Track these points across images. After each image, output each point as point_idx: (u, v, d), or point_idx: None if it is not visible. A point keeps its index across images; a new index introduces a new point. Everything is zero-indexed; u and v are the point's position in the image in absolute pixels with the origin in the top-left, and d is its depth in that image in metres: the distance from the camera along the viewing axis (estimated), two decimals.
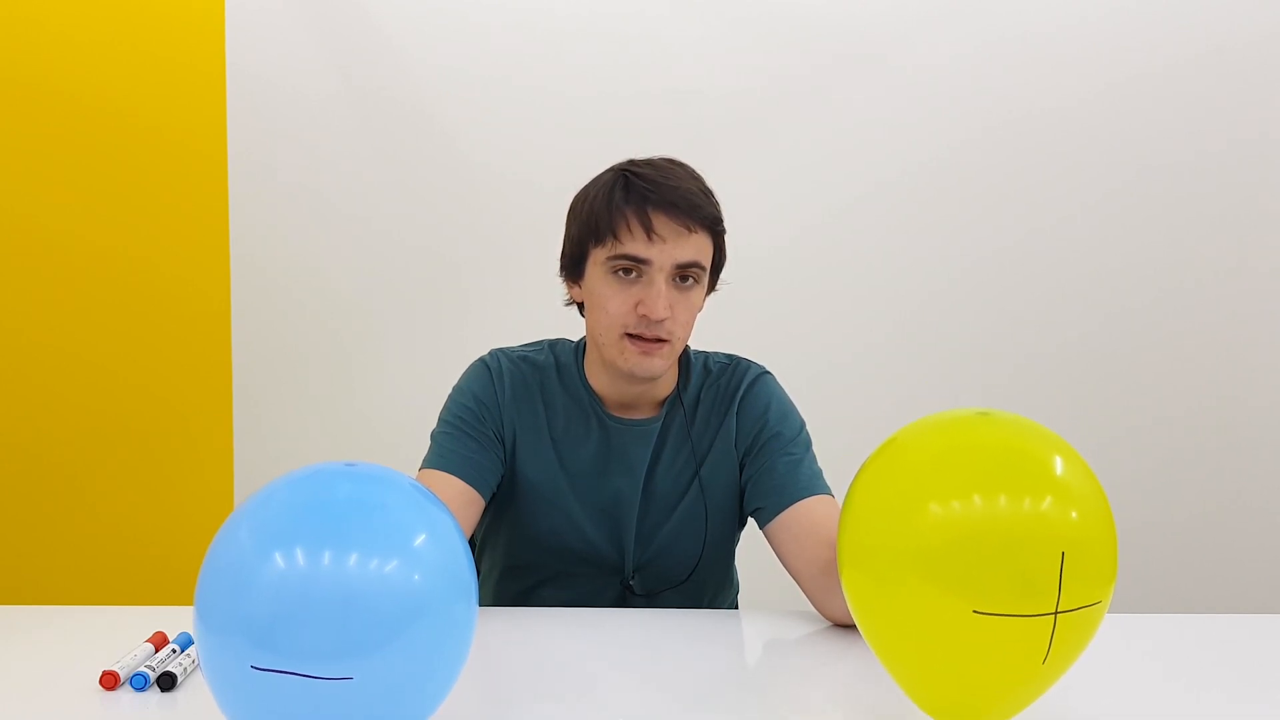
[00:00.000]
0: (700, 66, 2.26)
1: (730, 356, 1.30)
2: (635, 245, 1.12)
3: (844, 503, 0.77)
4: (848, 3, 2.27)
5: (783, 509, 1.17)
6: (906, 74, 2.29)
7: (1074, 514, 0.70)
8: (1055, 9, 2.29)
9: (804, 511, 1.16)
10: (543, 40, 2.24)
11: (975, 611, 0.67)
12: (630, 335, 1.14)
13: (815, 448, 1.25)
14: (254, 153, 2.23)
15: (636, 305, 1.12)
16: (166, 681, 0.87)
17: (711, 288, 1.22)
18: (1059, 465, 0.72)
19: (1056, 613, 0.68)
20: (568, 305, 1.25)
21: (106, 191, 2.20)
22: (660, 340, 1.13)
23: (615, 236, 1.12)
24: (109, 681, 0.87)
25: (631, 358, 1.14)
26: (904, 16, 2.28)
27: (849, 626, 1.10)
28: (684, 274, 1.14)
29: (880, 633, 0.76)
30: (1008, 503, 0.69)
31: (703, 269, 1.15)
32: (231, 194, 2.23)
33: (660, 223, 1.11)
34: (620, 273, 1.13)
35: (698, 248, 1.14)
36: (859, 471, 0.78)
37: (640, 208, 1.12)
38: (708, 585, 1.29)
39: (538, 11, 2.24)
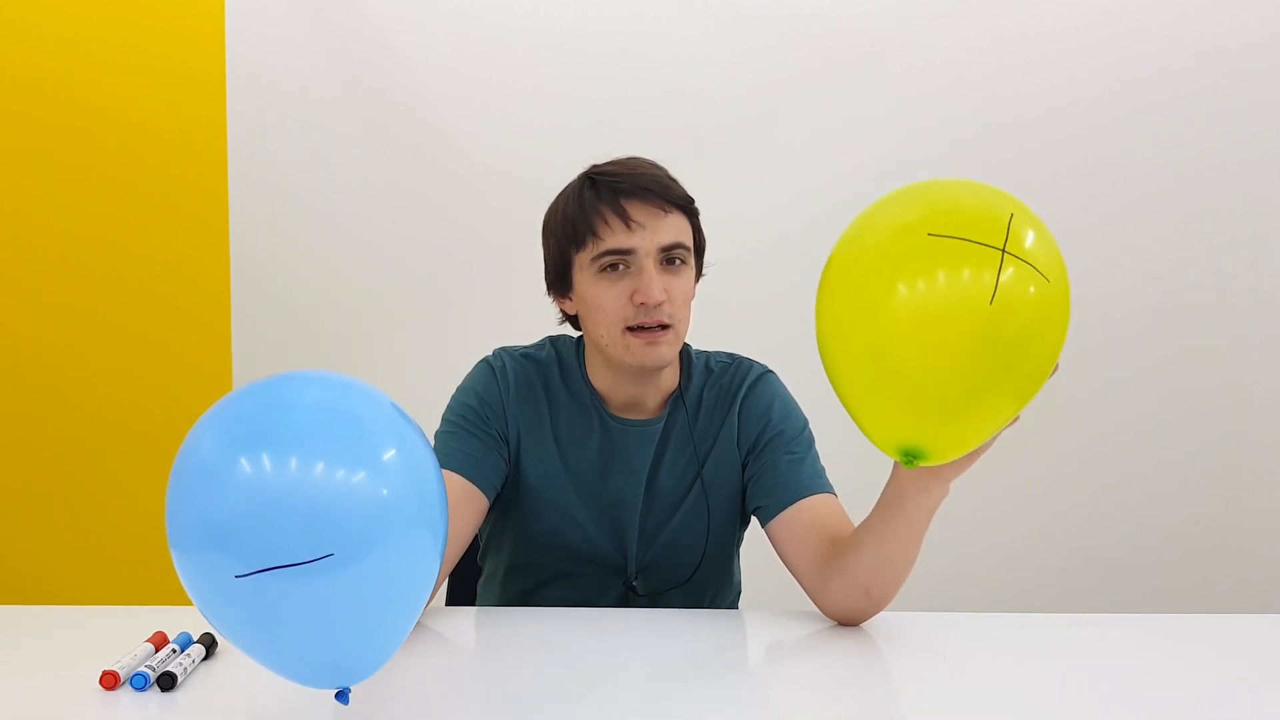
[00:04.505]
0: (702, 66, 2.26)
1: (732, 356, 1.30)
2: (617, 237, 1.12)
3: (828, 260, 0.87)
4: (849, 3, 2.28)
5: (784, 507, 1.17)
6: (907, 73, 2.29)
7: (1012, 212, 0.80)
8: (1056, 9, 2.29)
9: (806, 510, 1.16)
10: (543, 40, 2.24)
11: (930, 234, 0.74)
12: (631, 329, 1.14)
13: (817, 446, 1.25)
14: (254, 153, 2.23)
15: (632, 296, 1.13)
16: (166, 681, 0.87)
17: (699, 272, 1.22)
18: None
19: (1004, 250, 0.73)
20: (562, 323, 1.26)
21: (107, 191, 2.20)
22: (663, 326, 1.14)
23: (595, 234, 1.13)
24: (109, 681, 0.87)
25: (638, 350, 1.14)
26: (904, 16, 2.28)
27: (850, 626, 1.11)
28: (670, 256, 1.14)
29: (841, 307, 0.85)
30: (962, 184, 0.83)
31: (687, 249, 1.16)
32: (231, 194, 2.23)
33: (635, 209, 1.13)
34: (608, 269, 1.14)
35: (677, 228, 1.15)
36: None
37: (613, 200, 1.13)
38: (709, 584, 1.28)
39: (538, 11, 2.24)
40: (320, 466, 0.68)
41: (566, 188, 1.20)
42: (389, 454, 0.71)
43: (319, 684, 0.75)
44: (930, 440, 0.81)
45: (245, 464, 0.67)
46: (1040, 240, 0.80)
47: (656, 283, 1.12)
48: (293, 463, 0.67)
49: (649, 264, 1.13)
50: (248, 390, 0.73)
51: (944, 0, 2.28)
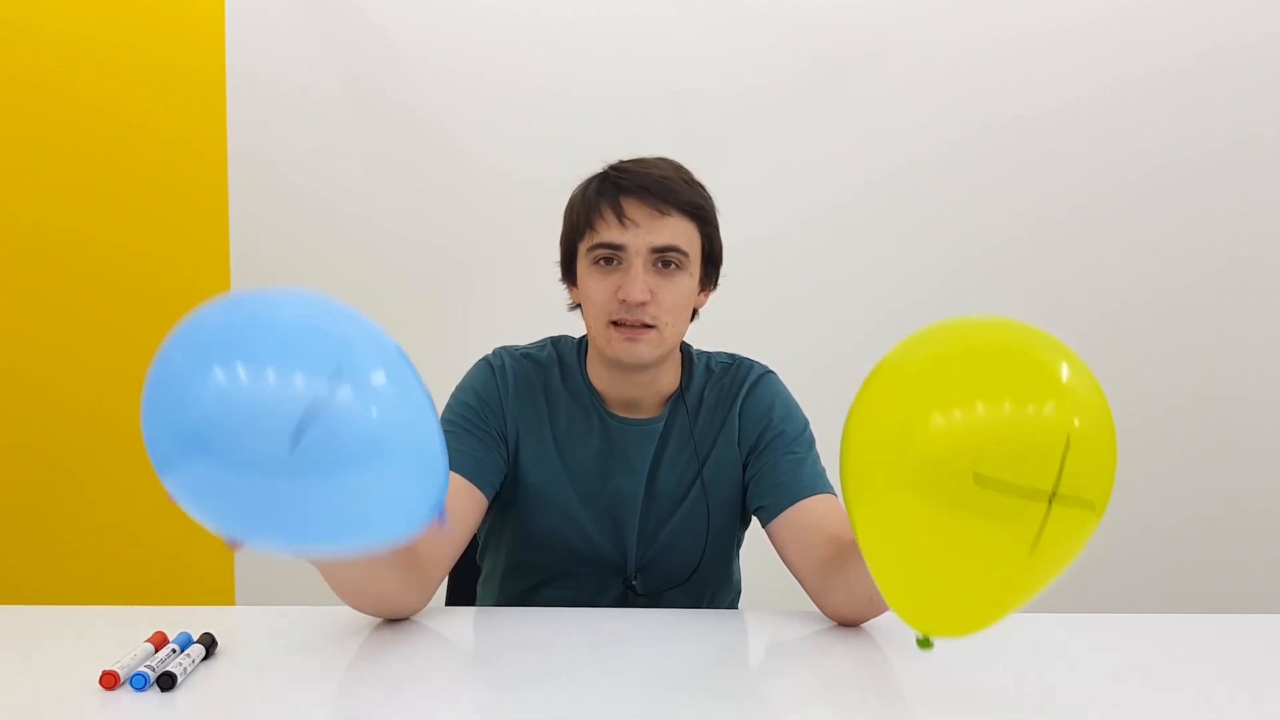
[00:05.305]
0: (702, 66, 2.26)
1: (732, 356, 1.30)
2: (610, 232, 1.13)
3: (851, 406, 0.79)
4: (849, 3, 2.28)
5: (785, 508, 1.17)
6: (907, 73, 2.29)
7: (1077, 420, 0.70)
8: (1056, 9, 2.29)
9: (806, 510, 1.16)
10: (543, 40, 2.24)
11: (976, 476, 0.68)
12: (614, 323, 1.14)
13: (818, 447, 1.25)
14: (254, 153, 2.23)
15: (617, 291, 1.13)
16: (166, 681, 0.87)
17: (710, 282, 1.22)
18: (1064, 368, 0.72)
19: (1053, 495, 0.68)
20: (571, 310, 1.26)
21: (107, 191, 2.20)
22: (645, 326, 1.14)
23: (592, 227, 1.15)
24: (109, 681, 0.87)
25: (617, 344, 1.15)
26: (904, 16, 2.28)
27: (851, 625, 1.11)
28: (663, 258, 1.14)
29: (873, 515, 0.76)
30: (1015, 387, 0.70)
31: (683, 253, 1.15)
32: (231, 194, 2.23)
33: (631, 207, 1.13)
34: (601, 262, 1.15)
35: (674, 231, 1.14)
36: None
37: (613, 196, 1.14)
38: (709, 584, 1.29)
39: (538, 11, 2.24)
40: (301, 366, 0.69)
41: (586, 179, 1.21)
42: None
43: (414, 525, 0.75)
44: (941, 632, 0.79)
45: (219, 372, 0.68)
46: (1096, 457, 0.72)
47: (640, 282, 1.12)
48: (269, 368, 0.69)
49: (637, 263, 1.13)
50: (218, 305, 0.74)
51: (944, 0, 2.28)
